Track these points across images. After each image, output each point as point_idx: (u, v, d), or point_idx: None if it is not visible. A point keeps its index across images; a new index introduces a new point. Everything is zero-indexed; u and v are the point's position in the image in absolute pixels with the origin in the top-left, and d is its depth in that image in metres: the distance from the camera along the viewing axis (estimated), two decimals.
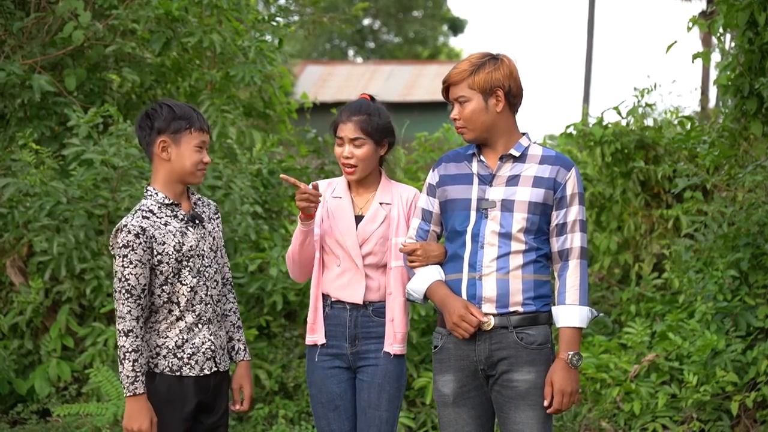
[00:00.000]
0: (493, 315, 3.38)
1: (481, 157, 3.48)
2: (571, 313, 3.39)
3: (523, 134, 3.50)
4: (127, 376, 3.33)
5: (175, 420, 3.44)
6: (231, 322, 3.67)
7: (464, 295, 3.41)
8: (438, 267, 3.52)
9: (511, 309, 3.38)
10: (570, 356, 3.34)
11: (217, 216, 3.64)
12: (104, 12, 7.16)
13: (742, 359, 5.45)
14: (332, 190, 3.84)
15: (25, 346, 6.44)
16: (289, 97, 8.89)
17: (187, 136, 3.42)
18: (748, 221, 5.81)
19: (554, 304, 3.45)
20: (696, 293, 5.92)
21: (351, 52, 37.34)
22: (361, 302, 3.72)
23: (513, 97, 3.46)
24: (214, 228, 3.59)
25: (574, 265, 3.42)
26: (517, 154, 3.44)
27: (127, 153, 6.24)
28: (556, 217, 3.43)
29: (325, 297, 3.78)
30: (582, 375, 5.84)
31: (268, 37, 7.83)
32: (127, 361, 3.33)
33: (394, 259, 3.73)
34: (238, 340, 3.67)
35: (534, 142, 3.52)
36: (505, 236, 3.39)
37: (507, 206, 3.40)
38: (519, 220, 3.38)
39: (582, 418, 5.74)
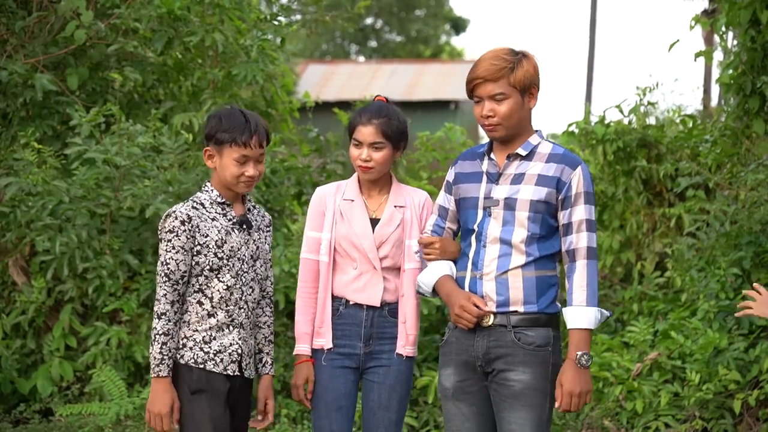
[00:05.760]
0: (493, 314, 3.37)
1: (492, 155, 3.48)
2: (578, 315, 3.38)
3: (536, 131, 3.48)
4: (154, 358, 3.38)
5: (214, 406, 3.43)
6: (263, 335, 3.68)
7: None
8: (450, 263, 3.53)
9: (511, 308, 3.37)
10: (578, 356, 3.32)
11: (268, 229, 3.68)
12: (106, 11, 7.16)
13: (745, 357, 5.45)
14: (342, 193, 3.79)
15: (27, 346, 6.44)
16: (291, 96, 8.89)
17: (227, 149, 3.47)
18: (751, 219, 5.80)
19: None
20: (698, 292, 5.91)
21: (353, 51, 37.32)
22: (378, 305, 3.71)
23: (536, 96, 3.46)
24: (260, 238, 3.63)
25: (581, 265, 3.43)
26: (524, 153, 3.42)
27: (129, 152, 6.24)
28: (562, 218, 3.41)
29: (337, 299, 3.74)
30: None
31: (270, 36, 7.83)
32: (156, 343, 3.38)
33: (407, 261, 3.73)
34: (267, 353, 3.69)
35: (545, 140, 3.48)
36: (507, 235, 3.38)
37: (510, 205, 3.38)
38: (521, 218, 3.37)
39: (584, 416, 5.74)
